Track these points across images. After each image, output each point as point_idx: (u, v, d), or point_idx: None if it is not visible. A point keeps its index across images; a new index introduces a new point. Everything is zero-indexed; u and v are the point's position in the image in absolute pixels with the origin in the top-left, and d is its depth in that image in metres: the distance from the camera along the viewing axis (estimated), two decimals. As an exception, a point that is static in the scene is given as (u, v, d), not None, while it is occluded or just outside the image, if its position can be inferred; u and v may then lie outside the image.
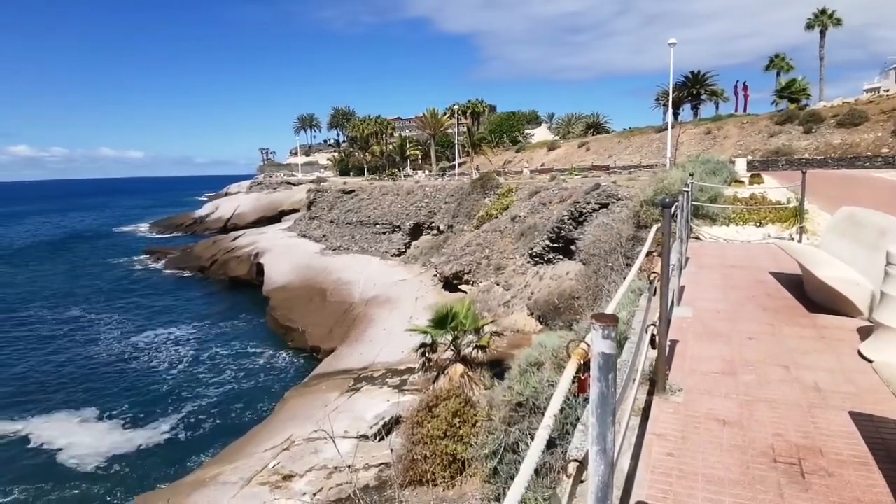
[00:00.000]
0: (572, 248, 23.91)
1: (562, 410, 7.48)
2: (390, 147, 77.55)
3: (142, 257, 59.67)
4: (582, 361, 1.66)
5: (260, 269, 43.04)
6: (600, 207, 23.49)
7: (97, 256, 63.33)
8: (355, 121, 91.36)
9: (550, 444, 7.43)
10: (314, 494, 13.51)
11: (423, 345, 16.55)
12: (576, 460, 1.96)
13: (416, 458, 11.30)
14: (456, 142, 65.28)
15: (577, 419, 7.36)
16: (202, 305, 40.35)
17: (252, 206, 76.60)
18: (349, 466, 13.96)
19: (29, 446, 20.45)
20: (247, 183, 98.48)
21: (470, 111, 78.15)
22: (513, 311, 23.88)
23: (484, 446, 7.13)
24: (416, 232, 41.38)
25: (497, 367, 16.02)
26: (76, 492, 17.57)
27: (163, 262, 55.89)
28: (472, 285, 27.91)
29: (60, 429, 21.49)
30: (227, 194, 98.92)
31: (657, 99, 54.03)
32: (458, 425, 11.39)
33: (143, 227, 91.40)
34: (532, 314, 22.70)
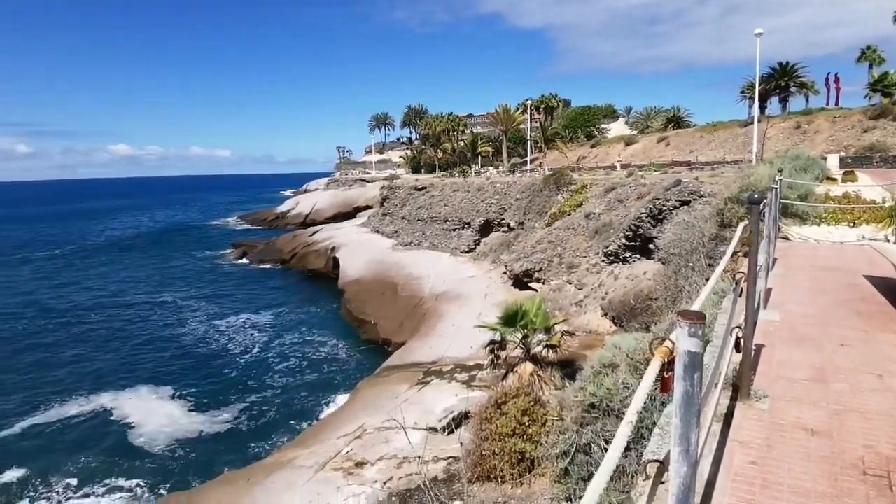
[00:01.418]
0: (650, 246, 23.06)
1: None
2: (462, 144, 77.83)
3: (229, 250, 63.52)
4: (666, 360, 1.62)
5: (336, 263, 44.67)
6: (681, 205, 22.51)
7: (190, 248, 68.18)
8: (428, 118, 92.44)
9: (624, 448, 7.24)
10: (385, 483, 13.88)
11: (492, 342, 16.54)
12: (656, 460, 1.92)
13: (484, 453, 11.34)
14: (528, 137, 64.54)
15: (654, 423, 7.12)
16: (281, 295, 42.44)
17: (329, 203, 79.51)
18: (418, 458, 14.22)
19: (111, 419, 22.44)
20: (324, 180, 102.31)
21: (543, 106, 76.89)
22: (585, 310, 23.36)
23: (555, 446, 7.06)
24: (486, 229, 41.35)
25: (568, 368, 15.76)
26: (153, 466, 19.02)
27: (248, 254, 59.23)
28: (543, 283, 27.55)
29: (141, 406, 23.39)
30: (306, 191, 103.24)
31: (742, 91, 50.98)
32: (527, 424, 11.32)
33: (231, 222, 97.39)
34: (606, 315, 22.12)
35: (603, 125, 72.92)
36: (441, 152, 79.05)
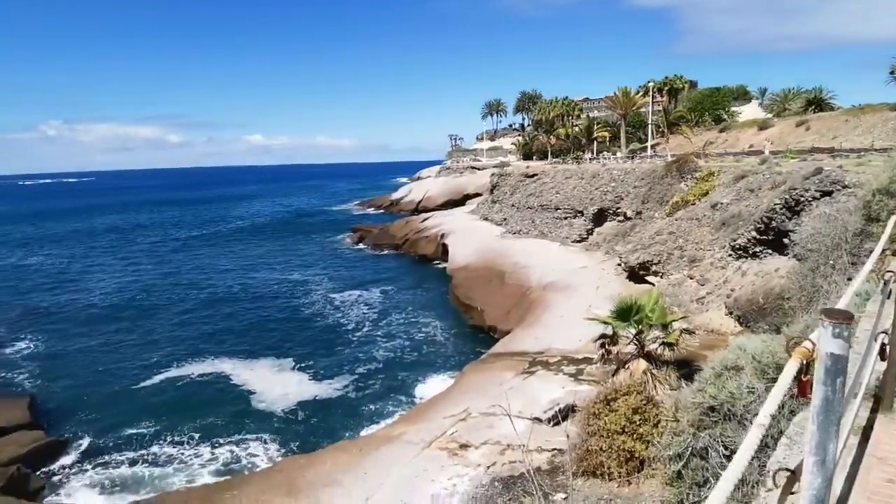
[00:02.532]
0: (785, 241, 20.95)
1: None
2: (576, 129, 75.48)
3: (348, 234, 67.40)
4: (804, 362, 1.49)
5: (445, 249, 45.70)
6: (822, 196, 20.20)
7: (314, 232, 73.48)
8: (541, 104, 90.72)
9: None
10: (488, 467, 14.07)
11: (603, 335, 16.00)
12: (787, 469, 1.78)
13: (590, 449, 11.10)
14: (649, 122, 61.00)
15: (781, 432, 6.55)
16: (392, 279, 44.35)
17: (440, 190, 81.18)
18: (522, 446, 14.22)
19: (236, 382, 24.82)
20: (436, 168, 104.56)
21: (667, 88, 72.12)
22: (707, 308, 21.81)
23: (668, 447, 6.73)
24: (599, 218, 39.93)
25: (685, 368, 14.87)
26: (277, 426, 20.83)
27: (365, 238, 62.41)
28: (661, 277, 26.09)
29: (264, 372, 25.76)
30: (418, 178, 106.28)
31: (892, 72, 44.25)
32: (637, 423, 10.90)
33: (351, 208, 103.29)
34: (730, 313, 20.52)
35: (734, 108, 66.92)
36: (554, 138, 77.26)
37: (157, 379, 25.42)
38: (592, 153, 66.09)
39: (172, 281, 46.04)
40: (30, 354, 29.41)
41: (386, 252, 55.64)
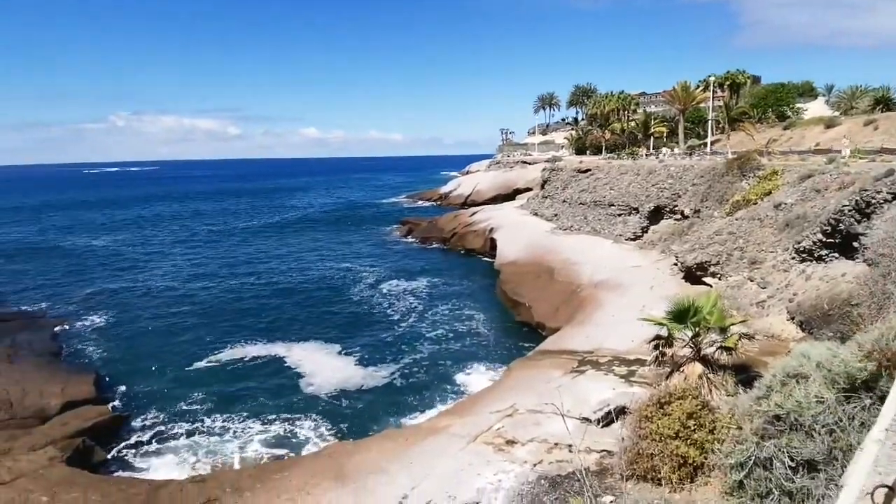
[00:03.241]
0: (854, 244, 19.78)
1: (831, 433, 6.38)
2: (632, 124, 73.40)
3: (398, 226, 68.23)
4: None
5: (493, 244, 45.53)
6: (894, 198, 19.03)
7: (365, 223, 74.89)
8: (596, 98, 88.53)
9: (811, 468, 6.42)
10: (534, 465, 13.97)
11: (657, 337, 15.53)
12: (885, 486, 1.68)
13: (641, 452, 10.84)
14: (709, 117, 58.66)
15: (849, 445, 6.23)
16: (440, 270, 44.68)
17: (489, 184, 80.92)
18: (569, 446, 14.05)
19: (288, 365, 25.68)
20: (486, 162, 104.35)
21: (728, 83, 69.12)
22: (768, 312, 20.85)
23: (730, 456, 6.49)
24: (655, 215, 38.79)
25: (743, 373, 14.29)
26: (324, 409, 21.37)
27: (413, 231, 62.97)
28: (720, 279, 25.12)
29: (312, 358, 26.43)
30: (468, 172, 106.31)
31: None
32: (692, 428, 10.55)
33: (400, 200, 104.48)
34: (792, 319, 19.55)
35: (798, 105, 63.50)
36: (609, 133, 75.42)
37: (213, 359, 26.60)
38: (649, 149, 64.18)
39: (229, 268, 47.93)
40: (96, 330, 31.41)
41: (434, 245, 55.96)
